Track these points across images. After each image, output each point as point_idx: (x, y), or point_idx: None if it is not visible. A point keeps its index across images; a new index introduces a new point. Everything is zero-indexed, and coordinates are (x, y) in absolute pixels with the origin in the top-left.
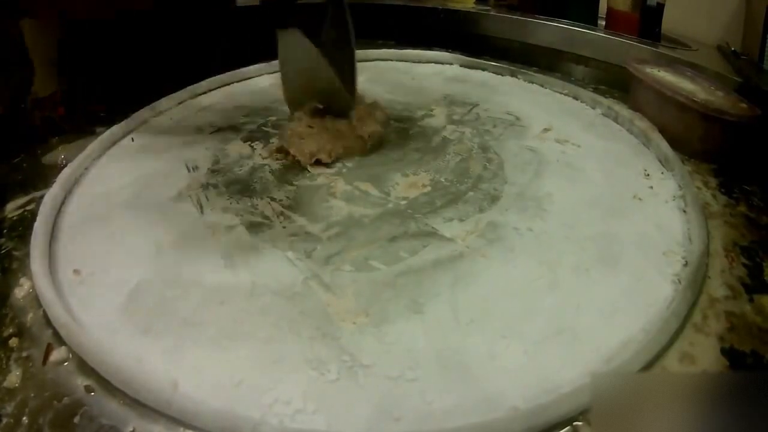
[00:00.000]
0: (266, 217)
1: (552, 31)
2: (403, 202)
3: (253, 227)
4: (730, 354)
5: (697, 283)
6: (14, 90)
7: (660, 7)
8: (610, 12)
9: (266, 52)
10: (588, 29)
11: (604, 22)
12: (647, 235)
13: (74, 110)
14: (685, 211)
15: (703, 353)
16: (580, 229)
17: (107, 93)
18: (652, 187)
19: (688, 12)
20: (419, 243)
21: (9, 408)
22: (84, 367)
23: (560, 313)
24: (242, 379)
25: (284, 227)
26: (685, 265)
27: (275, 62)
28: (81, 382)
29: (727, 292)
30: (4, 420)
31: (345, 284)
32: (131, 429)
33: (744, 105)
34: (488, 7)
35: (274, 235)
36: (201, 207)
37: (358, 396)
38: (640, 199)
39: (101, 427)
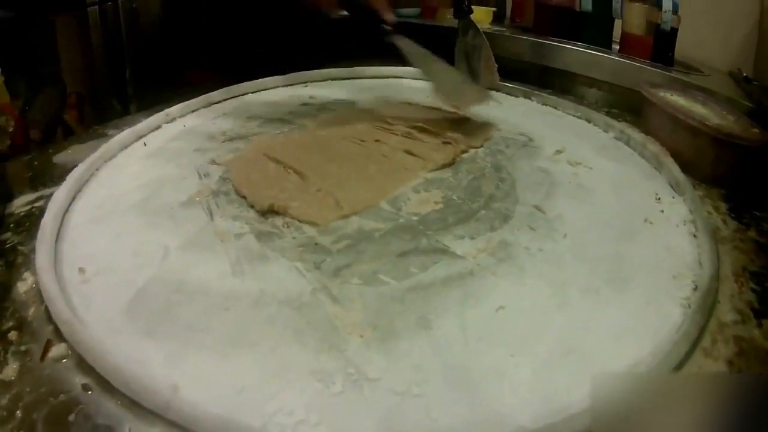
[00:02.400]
0: (276, 227)
1: (567, 53)
2: (415, 218)
3: (262, 236)
4: None
5: (706, 307)
6: (51, 116)
7: (673, 32)
8: (625, 36)
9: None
10: (602, 52)
11: (618, 46)
12: (657, 258)
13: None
14: (695, 236)
15: None
16: (591, 250)
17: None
18: (663, 211)
19: (701, 37)
20: (429, 259)
21: (3, 401)
22: (83, 365)
23: (569, 333)
24: (244, 387)
25: (294, 237)
26: (695, 289)
27: (292, 75)
28: (79, 380)
29: (736, 317)
30: None
31: (353, 297)
32: (127, 430)
33: (755, 130)
34: (503, 29)
35: (284, 245)
36: (211, 213)
37: (363, 410)
38: (650, 222)
39: (96, 427)
